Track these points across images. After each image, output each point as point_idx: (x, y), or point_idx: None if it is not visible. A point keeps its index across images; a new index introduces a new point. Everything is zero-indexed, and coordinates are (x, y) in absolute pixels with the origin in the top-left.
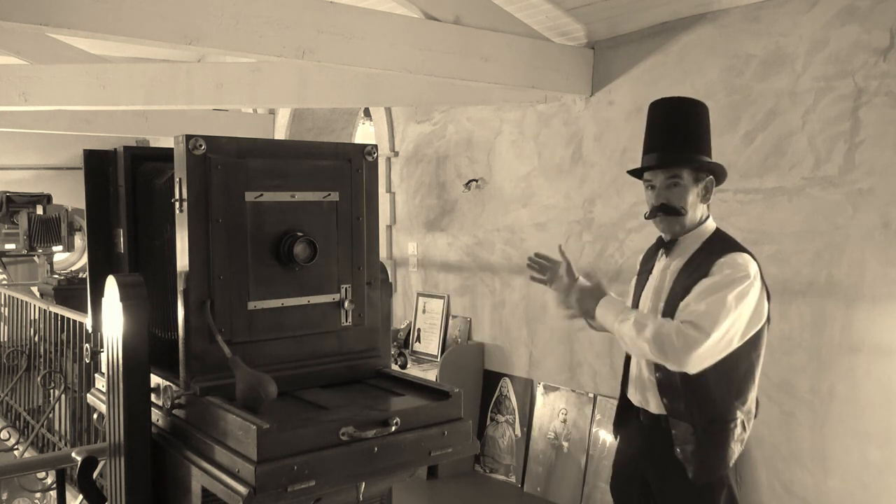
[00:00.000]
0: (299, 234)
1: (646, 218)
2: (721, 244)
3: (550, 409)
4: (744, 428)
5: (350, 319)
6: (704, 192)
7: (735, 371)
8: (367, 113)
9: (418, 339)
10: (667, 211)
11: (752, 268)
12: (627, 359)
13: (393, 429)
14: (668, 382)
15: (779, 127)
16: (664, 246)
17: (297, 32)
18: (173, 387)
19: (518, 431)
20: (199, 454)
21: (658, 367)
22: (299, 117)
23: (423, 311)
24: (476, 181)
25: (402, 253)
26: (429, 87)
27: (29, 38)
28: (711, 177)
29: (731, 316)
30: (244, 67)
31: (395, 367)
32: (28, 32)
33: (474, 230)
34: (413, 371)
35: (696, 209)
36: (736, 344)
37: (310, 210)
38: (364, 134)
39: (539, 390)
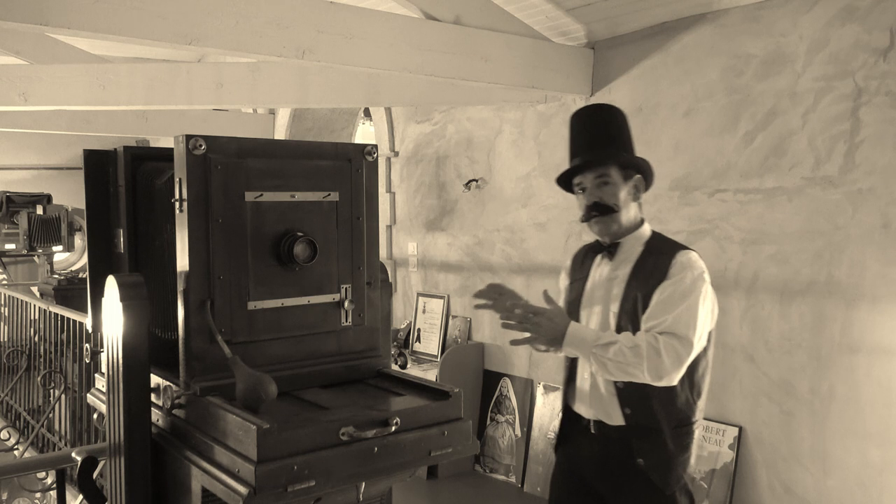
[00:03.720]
0: (299, 234)
1: (581, 221)
2: (665, 244)
3: (550, 409)
4: (698, 425)
5: (350, 319)
6: (635, 190)
7: (696, 371)
8: (367, 113)
9: (418, 339)
10: (601, 210)
11: (703, 265)
12: (569, 374)
13: (393, 429)
14: (632, 392)
15: (779, 127)
16: (607, 250)
17: (297, 32)
18: (173, 387)
19: (518, 431)
20: (199, 454)
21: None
22: (299, 117)
23: (423, 311)
24: (476, 181)
25: (402, 253)
26: (429, 87)
27: (29, 38)
28: (639, 175)
29: (701, 318)
30: (244, 67)
31: (395, 367)
32: (28, 32)
33: (474, 230)
34: (413, 371)
35: (629, 208)
36: (703, 344)
37: (310, 210)
38: (364, 134)
39: (539, 390)
